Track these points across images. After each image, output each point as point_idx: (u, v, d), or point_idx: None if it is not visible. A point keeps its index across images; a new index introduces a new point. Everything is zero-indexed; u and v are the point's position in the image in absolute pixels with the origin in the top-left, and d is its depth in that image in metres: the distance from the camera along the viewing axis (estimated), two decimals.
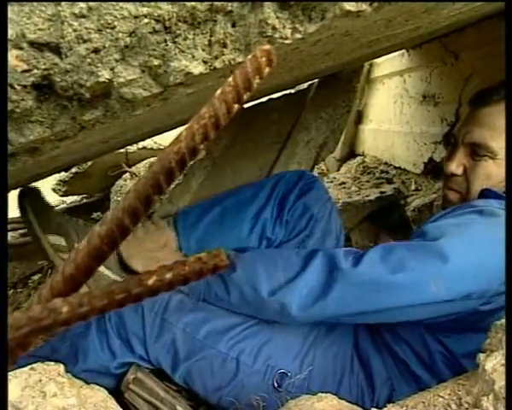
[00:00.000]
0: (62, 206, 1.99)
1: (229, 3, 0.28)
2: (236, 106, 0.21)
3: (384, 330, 0.79)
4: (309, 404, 0.69)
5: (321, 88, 1.54)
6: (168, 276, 0.22)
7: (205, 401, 0.81)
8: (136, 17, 0.27)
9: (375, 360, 0.79)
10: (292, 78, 0.72)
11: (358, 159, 1.89)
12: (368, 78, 1.92)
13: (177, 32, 0.28)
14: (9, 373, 0.45)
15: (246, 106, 1.53)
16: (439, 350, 0.75)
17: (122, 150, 1.87)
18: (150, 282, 0.21)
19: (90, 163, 1.75)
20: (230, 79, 0.21)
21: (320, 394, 0.72)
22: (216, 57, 0.30)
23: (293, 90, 1.58)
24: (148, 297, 0.21)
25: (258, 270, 0.73)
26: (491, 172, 0.75)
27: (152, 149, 1.93)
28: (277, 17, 0.29)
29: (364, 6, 0.28)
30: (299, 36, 0.30)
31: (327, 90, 1.54)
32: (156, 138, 1.90)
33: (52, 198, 1.99)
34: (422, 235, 0.69)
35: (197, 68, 0.30)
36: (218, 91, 0.21)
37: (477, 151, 0.76)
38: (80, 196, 2.00)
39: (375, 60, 1.82)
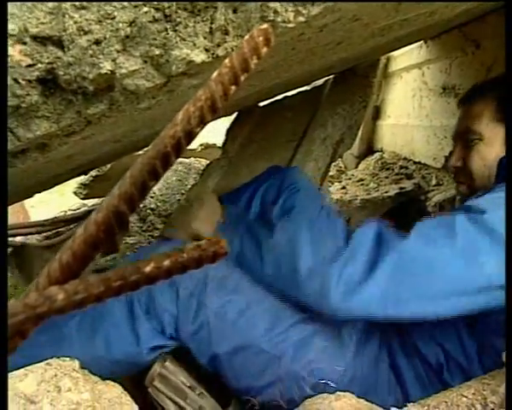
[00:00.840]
0: (84, 209, 2.03)
1: None
2: (234, 87, 0.21)
3: (417, 337, 0.76)
4: (326, 403, 0.67)
5: (337, 84, 1.52)
6: (166, 263, 0.21)
7: (233, 391, 0.78)
8: (135, 7, 0.27)
9: (408, 371, 0.77)
10: (304, 71, 0.71)
11: (377, 155, 1.85)
12: (385, 72, 1.88)
13: (178, 20, 0.28)
14: (26, 368, 0.46)
15: (261, 104, 1.53)
16: (477, 354, 0.71)
17: (140, 152, 1.90)
18: (148, 269, 0.20)
19: (109, 166, 1.78)
20: (227, 60, 0.20)
21: (338, 392, 0.71)
22: (218, 45, 0.30)
23: (308, 87, 1.57)
24: (146, 285, 0.21)
25: (302, 238, 0.71)
26: (485, 154, 0.81)
27: None
28: (279, 0, 0.28)
29: None
30: (302, 19, 0.29)
31: (343, 85, 1.52)
32: None
33: (74, 201, 2.04)
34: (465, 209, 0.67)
35: (199, 57, 0.29)
36: (215, 73, 0.20)
37: (468, 139, 0.83)
38: (101, 199, 2.04)
39: (392, 53, 1.78)
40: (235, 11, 0.29)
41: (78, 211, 2.03)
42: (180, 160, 1.90)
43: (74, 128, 0.34)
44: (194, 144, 2.00)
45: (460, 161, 0.86)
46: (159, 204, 1.78)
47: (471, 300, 0.63)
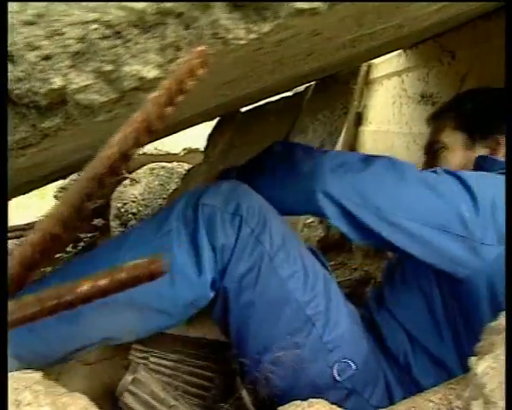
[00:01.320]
0: None
1: (180, 5, 0.27)
2: (170, 109, 0.21)
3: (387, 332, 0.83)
4: None
5: (318, 90, 1.54)
6: (102, 282, 0.21)
7: (241, 351, 0.76)
8: (84, 23, 0.27)
9: (391, 372, 0.82)
10: (276, 80, 0.72)
11: None
12: (366, 79, 1.91)
13: (128, 36, 0.28)
14: None
15: (242, 110, 1.54)
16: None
17: None
18: (82, 289, 0.20)
19: None
20: (163, 82, 0.21)
21: (311, 399, 0.71)
22: (170, 61, 0.30)
23: (290, 93, 1.58)
24: (81, 304, 0.21)
25: None
26: (450, 159, 0.91)
27: (152, 154, 1.94)
28: (229, 18, 0.28)
29: (317, 4, 0.28)
30: (253, 36, 0.29)
31: (324, 92, 1.53)
32: (156, 144, 1.92)
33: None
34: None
35: (151, 73, 0.29)
36: (151, 95, 0.21)
37: (435, 149, 0.94)
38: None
39: (373, 61, 1.81)
40: (186, 28, 0.29)
41: None
42: (162, 164, 1.90)
43: (30, 141, 0.34)
44: (176, 149, 2.00)
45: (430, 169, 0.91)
46: (140, 209, 1.77)
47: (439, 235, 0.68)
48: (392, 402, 0.77)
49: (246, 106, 1.45)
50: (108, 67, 0.29)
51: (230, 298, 0.72)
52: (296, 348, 0.73)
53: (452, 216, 0.67)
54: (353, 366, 0.75)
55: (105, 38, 0.28)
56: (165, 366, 0.97)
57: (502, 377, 0.58)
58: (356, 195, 0.71)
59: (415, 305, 0.81)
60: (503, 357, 0.61)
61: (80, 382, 0.96)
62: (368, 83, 1.93)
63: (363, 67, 1.87)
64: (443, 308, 0.78)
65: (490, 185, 0.69)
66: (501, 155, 0.83)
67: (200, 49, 0.21)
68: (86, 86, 0.30)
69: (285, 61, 0.56)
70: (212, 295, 0.72)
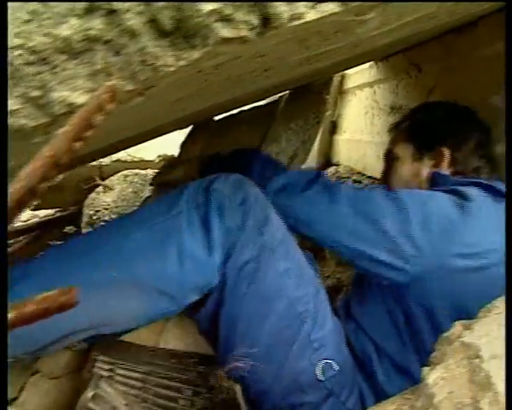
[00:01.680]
0: (35, 220, 1.96)
1: (107, 32, 0.28)
2: (78, 144, 0.21)
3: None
4: None
5: (291, 99, 1.55)
6: (11, 316, 0.21)
7: (225, 344, 0.76)
8: (9, 48, 0.27)
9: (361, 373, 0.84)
10: (238, 94, 0.72)
11: (332, 169, 1.90)
12: (340, 89, 1.94)
13: (55, 62, 0.28)
14: None
15: (216, 118, 1.54)
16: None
17: (95, 163, 1.86)
18: None
19: (61, 176, 1.74)
20: (72, 117, 0.21)
21: None
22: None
23: (263, 102, 1.59)
24: None
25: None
26: (400, 170, 0.96)
27: (126, 161, 1.92)
28: (158, 45, 0.29)
29: (244, 33, 0.28)
30: (183, 63, 0.29)
31: (297, 101, 1.55)
32: (130, 151, 1.90)
33: (24, 212, 1.96)
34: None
35: (80, 98, 0.29)
36: (60, 130, 0.21)
37: (390, 159, 1.01)
38: (54, 210, 1.98)
39: (347, 71, 1.84)
40: (115, 54, 0.29)
41: (29, 222, 1.95)
42: (136, 171, 1.88)
43: None
44: (151, 155, 1.98)
45: (386, 178, 1.01)
46: (113, 216, 1.75)
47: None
48: (365, 409, 0.79)
49: (218, 114, 1.45)
50: (36, 93, 0.29)
51: (228, 288, 0.72)
52: (285, 344, 0.73)
53: (378, 231, 0.72)
54: (335, 367, 0.76)
55: (30, 63, 0.27)
56: (133, 379, 0.96)
57: (451, 387, 0.59)
58: (290, 217, 0.80)
59: (378, 313, 0.83)
60: (454, 367, 0.63)
61: (42, 398, 0.94)
62: (342, 93, 1.96)
63: (337, 78, 1.90)
64: (404, 316, 0.80)
65: (424, 200, 0.74)
66: (444, 168, 0.86)
67: (109, 84, 0.21)
68: (15, 111, 0.29)
69: (244, 77, 0.56)
70: (217, 280, 0.72)
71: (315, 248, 1.73)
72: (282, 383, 0.74)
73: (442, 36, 1.22)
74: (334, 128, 2.04)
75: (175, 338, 1.11)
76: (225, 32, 0.27)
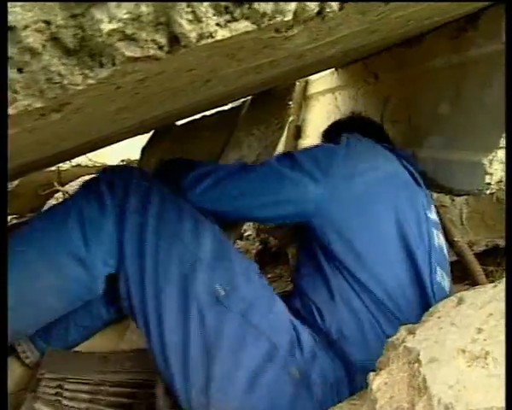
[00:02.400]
0: None
1: (9, 49, 0.27)
2: None
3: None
4: None
5: (254, 105, 1.56)
6: None
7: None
8: None
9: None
10: (186, 104, 0.72)
11: None
12: (304, 94, 1.97)
13: None
14: None
15: (178, 123, 1.52)
16: None
17: (54, 168, 1.80)
18: None
19: (16, 182, 1.67)
20: None
21: None
22: (9, 104, 0.29)
23: (226, 108, 1.59)
24: None
25: None
26: None
27: (87, 166, 1.87)
28: (63, 64, 0.28)
29: (152, 52, 0.28)
30: (92, 81, 0.29)
31: (260, 107, 1.56)
32: (91, 155, 1.85)
33: None
34: None
35: None
36: None
37: None
38: (10, 217, 1.90)
39: (310, 77, 1.86)
40: (19, 72, 0.28)
41: None
42: None
43: None
44: (114, 160, 1.94)
45: None
46: None
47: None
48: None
49: (178, 120, 1.44)
50: None
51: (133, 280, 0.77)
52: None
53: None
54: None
55: None
56: (83, 392, 0.93)
57: (392, 392, 0.61)
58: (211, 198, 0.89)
59: (311, 272, 0.89)
60: (396, 371, 0.64)
61: None
62: (306, 98, 1.99)
63: (301, 83, 1.93)
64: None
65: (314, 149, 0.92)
66: None
67: None
68: None
69: (186, 88, 0.56)
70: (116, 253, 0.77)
71: (278, 255, 1.74)
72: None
73: (395, 47, 1.26)
74: (298, 133, 2.06)
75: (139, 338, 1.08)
76: (130, 51, 0.27)
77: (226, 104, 1.61)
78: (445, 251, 0.91)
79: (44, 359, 0.89)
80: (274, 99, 1.59)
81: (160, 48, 0.28)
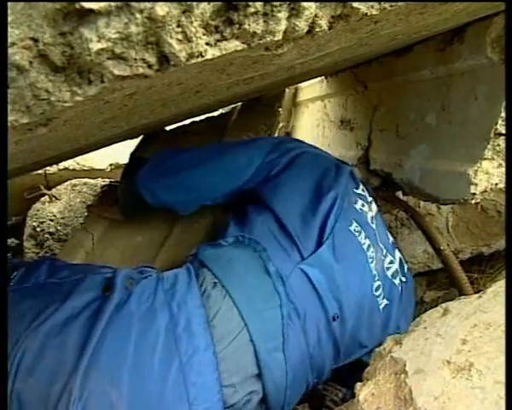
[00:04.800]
0: None
1: None
2: None
3: None
4: None
5: (243, 111, 1.56)
6: None
7: None
8: None
9: None
10: (176, 112, 0.71)
11: None
12: (294, 101, 1.98)
13: None
14: None
15: (167, 128, 1.51)
16: None
17: (40, 171, 1.78)
18: None
19: None
20: None
21: None
22: None
23: (215, 114, 1.59)
24: None
25: None
26: None
27: (74, 170, 1.85)
28: (50, 80, 0.28)
29: (141, 70, 0.28)
30: (80, 98, 0.29)
31: (249, 113, 1.56)
32: (78, 159, 1.83)
33: None
34: None
35: None
36: None
37: None
38: None
39: (300, 84, 1.88)
40: (7, 87, 0.28)
41: None
42: (85, 180, 1.81)
43: None
44: (102, 164, 1.92)
45: None
46: (59, 228, 1.67)
47: None
48: None
49: (168, 126, 1.44)
50: None
51: None
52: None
53: None
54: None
55: None
56: None
57: (379, 403, 0.61)
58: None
59: None
60: (382, 382, 0.65)
61: None
62: (296, 105, 2.00)
63: (291, 90, 1.94)
64: None
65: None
66: None
67: None
68: None
69: (172, 99, 0.56)
70: None
71: None
72: None
73: (384, 57, 1.27)
74: None
75: None
76: (119, 70, 0.27)
77: (216, 110, 1.61)
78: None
79: None
80: (263, 105, 1.60)
81: (150, 66, 0.28)
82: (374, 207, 1.01)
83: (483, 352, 0.55)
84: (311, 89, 1.81)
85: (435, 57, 1.04)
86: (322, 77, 1.70)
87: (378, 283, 0.87)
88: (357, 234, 0.88)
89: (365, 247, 0.87)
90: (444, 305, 0.69)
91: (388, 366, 0.65)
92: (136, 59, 0.27)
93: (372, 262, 0.87)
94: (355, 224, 0.89)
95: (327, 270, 0.78)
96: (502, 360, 0.52)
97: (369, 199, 1.01)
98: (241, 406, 0.69)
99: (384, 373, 0.65)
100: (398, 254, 0.99)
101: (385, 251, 0.93)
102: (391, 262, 0.94)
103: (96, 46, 0.25)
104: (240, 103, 1.58)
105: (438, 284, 1.42)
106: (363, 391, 0.63)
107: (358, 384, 0.65)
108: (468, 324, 0.62)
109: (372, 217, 0.96)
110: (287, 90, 1.82)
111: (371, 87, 1.37)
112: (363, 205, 0.96)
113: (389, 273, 0.91)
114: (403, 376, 0.60)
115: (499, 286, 0.69)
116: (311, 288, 0.76)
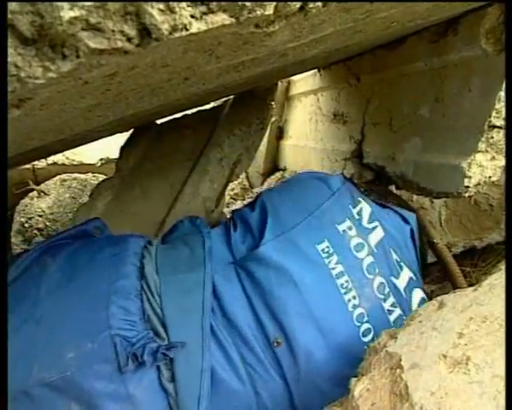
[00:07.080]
0: None
1: None
2: None
3: None
4: None
5: (235, 105, 1.54)
6: None
7: None
8: None
9: None
10: (159, 103, 0.69)
11: (278, 174, 1.91)
12: (287, 95, 1.96)
13: None
14: None
15: (158, 121, 1.49)
16: None
17: (29, 166, 1.74)
18: None
19: None
20: None
21: None
22: None
23: (208, 107, 1.56)
24: None
25: None
26: None
27: (64, 164, 1.81)
28: (19, 54, 0.25)
29: (120, 44, 0.25)
30: (53, 75, 0.26)
31: (241, 107, 1.54)
32: (68, 154, 1.79)
33: None
34: None
35: None
36: None
37: None
38: None
39: (292, 78, 1.86)
40: None
41: None
42: (75, 175, 1.78)
43: None
44: (92, 159, 1.88)
45: None
46: (48, 224, 1.64)
47: None
48: None
49: (159, 118, 1.41)
50: None
51: None
52: None
53: None
54: None
55: None
56: None
57: (374, 399, 0.60)
58: None
59: None
60: (378, 377, 0.63)
61: None
62: (288, 98, 1.98)
63: (284, 84, 1.92)
64: None
65: None
66: None
67: None
68: None
69: (159, 86, 0.53)
70: None
71: None
72: None
73: (377, 49, 1.26)
74: (281, 133, 2.05)
75: None
76: (95, 42, 0.25)
77: (208, 103, 1.59)
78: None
79: None
80: (255, 99, 1.57)
81: (129, 40, 0.26)
82: (373, 236, 0.85)
83: (480, 345, 0.54)
84: (304, 82, 1.79)
85: (429, 49, 1.03)
86: (315, 70, 1.68)
87: (366, 325, 0.75)
88: (324, 255, 0.78)
89: (334, 272, 0.77)
90: (439, 298, 0.68)
91: (383, 360, 0.63)
92: (113, 30, 0.25)
93: (346, 294, 0.76)
94: (326, 243, 0.79)
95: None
96: (499, 353, 0.51)
97: (371, 225, 0.86)
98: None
99: (379, 368, 0.63)
100: (417, 295, 0.84)
101: (387, 290, 0.79)
102: (393, 305, 0.79)
103: (67, 14, 0.23)
104: (232, 97, 1.56)
105: (431, 277, 1.42)
106: (358, 386, 0.62)
107: (353, 380, 0.64)
108: (465, 317, 0.61)
109: (361, 244, 0.82)
110: (279, 83, 1.80)
111: (364, 80, 1.36)
112: (349, 228, 0.84)
113: (391, 318, 0.78)
114: (398, 371, 0.59)
115: (495, 279, 0.68)
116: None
